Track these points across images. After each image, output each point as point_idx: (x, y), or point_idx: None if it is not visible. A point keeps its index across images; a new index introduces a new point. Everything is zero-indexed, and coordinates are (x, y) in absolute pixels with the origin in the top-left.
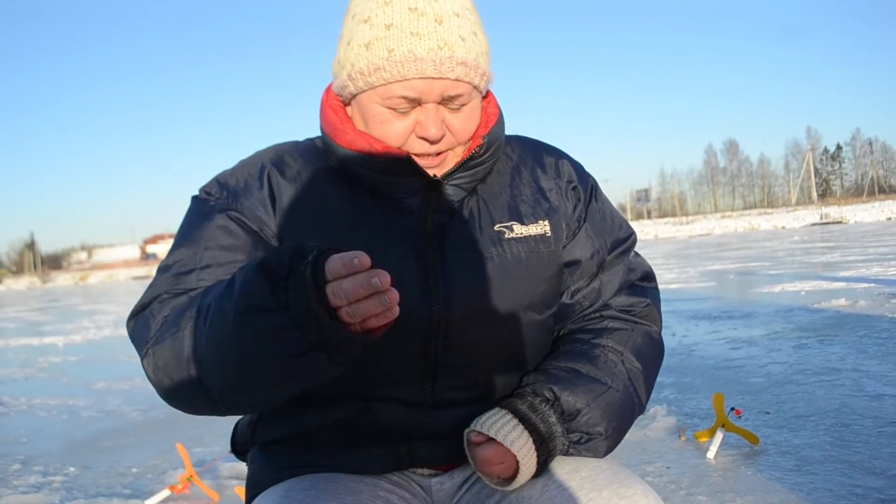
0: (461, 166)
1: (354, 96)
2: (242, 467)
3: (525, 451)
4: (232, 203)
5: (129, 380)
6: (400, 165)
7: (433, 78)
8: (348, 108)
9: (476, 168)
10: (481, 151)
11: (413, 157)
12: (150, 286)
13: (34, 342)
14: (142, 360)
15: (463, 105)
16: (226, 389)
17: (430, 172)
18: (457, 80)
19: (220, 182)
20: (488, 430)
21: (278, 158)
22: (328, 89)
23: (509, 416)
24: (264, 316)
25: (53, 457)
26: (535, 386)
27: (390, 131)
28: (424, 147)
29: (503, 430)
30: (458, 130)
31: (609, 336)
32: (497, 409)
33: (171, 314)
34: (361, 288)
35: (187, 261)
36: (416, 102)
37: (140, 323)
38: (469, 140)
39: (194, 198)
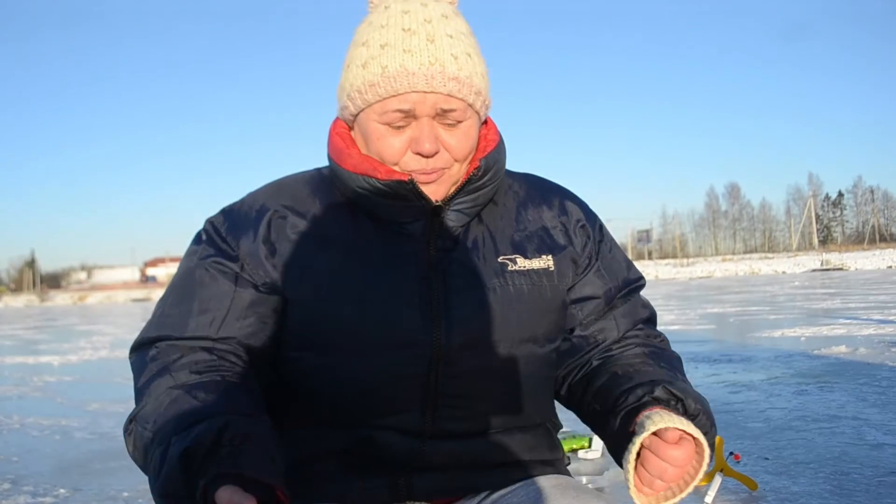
0: (461, 190)
1: (355, 117)
2: None
3: (707, 454)
4: (231, 239)
5: (123, 402)
6: (403, 189)
7: (425, 92)
8: (352, 133)
9: (476, 192)
10: (479, 174)
11: (416, 181)
12: (149, 324)
13: (30, 361)
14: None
15: (458, 122)
16: None
17: (430, 194)
18: (449, 95)
19: (224, 213)
20: (686, 426)
21: (283, 193)
22: (336, 120)
23: (681, 417)
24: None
25: (44, 477)
26: (664, 386)
27: (387, 146)
28: (420, 164)
29: (696, 430)
30: (454, 147)
31: (661, 355)
32: (659, 410)
33: (159, 400)
34: None
35: (178, 310)
36: (411, 117)
37: (138, 367)
38: (468, 164)
39: (198, 234)
